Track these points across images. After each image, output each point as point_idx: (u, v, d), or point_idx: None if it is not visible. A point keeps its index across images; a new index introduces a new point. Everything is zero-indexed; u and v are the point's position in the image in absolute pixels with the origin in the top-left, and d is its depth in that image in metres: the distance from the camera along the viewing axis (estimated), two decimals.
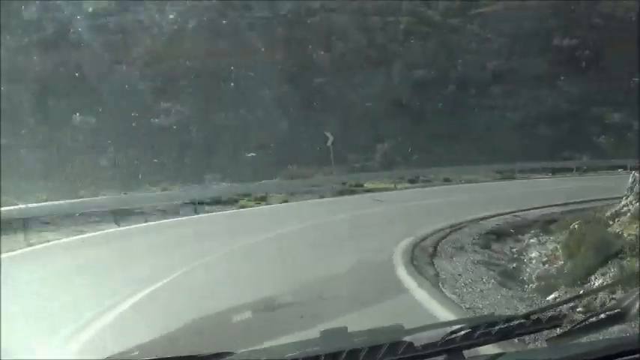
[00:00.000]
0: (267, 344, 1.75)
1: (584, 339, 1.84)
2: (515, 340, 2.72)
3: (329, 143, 26.36)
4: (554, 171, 32.93)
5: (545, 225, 13.68)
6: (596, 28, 44.86)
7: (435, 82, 40.63)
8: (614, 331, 2.34)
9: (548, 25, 44.53)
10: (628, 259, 7.92)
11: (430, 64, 42.30)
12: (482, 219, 14.22)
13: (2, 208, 15.93)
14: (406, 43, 44.44)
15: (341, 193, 25.35)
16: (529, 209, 15.80)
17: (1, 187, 17.71)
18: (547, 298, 7.56)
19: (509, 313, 5.35)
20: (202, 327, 4.91)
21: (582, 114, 39.27)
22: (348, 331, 1.71)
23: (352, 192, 25.74)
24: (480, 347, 1.77)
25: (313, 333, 1.72)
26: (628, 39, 42.04)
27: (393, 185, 27.49)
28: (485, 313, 5.82)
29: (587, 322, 1.80)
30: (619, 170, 31.18)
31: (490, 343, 1.78)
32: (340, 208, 19.67)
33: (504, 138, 36.89)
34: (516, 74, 41.68)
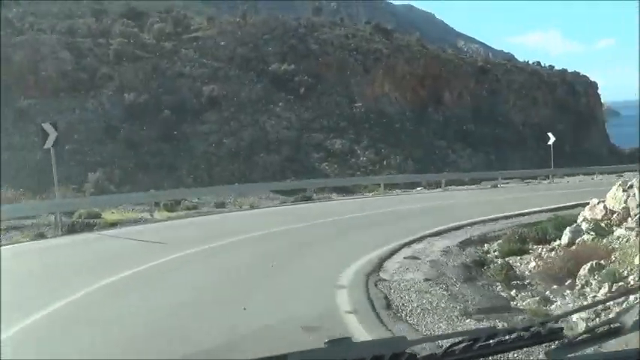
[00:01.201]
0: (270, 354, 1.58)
1: (584, 352, 1.79)
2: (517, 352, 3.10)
3: (48, 144, 16.75)
4: (348, 191, 29.71)
5: (479, 269, 10.61)
6: (314, 55, 46.91)
7: (148, 106, 38.53)
8: (614, 344, 2.11)
9: (265, 50, 45.42)
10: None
11: (143, 88, 40.14)
12: (379, 268, 10.04)
13: None
14: (117, 65, 41.25)
15: (72, 229, 16.86)
16: (409, 242, 12.35)
17: None
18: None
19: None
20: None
21: (302, 140, 40.18)
22: (352, 341, 1.68)
23: (89, 226, 17.25)
24: (480, 359, 1.73)
25: (317, 343, 1.63)
26: (345, 66, 45.22)
27: (148, 214, 20.09)
28: None
29: (586, 335, 1.78)
30: (418, 189, 29.93)
31: (490, 355, 1.77)
32: (85, 257, 12.30)
33: (222, 163, 36.28)
34: (233, 99, 41.45)
